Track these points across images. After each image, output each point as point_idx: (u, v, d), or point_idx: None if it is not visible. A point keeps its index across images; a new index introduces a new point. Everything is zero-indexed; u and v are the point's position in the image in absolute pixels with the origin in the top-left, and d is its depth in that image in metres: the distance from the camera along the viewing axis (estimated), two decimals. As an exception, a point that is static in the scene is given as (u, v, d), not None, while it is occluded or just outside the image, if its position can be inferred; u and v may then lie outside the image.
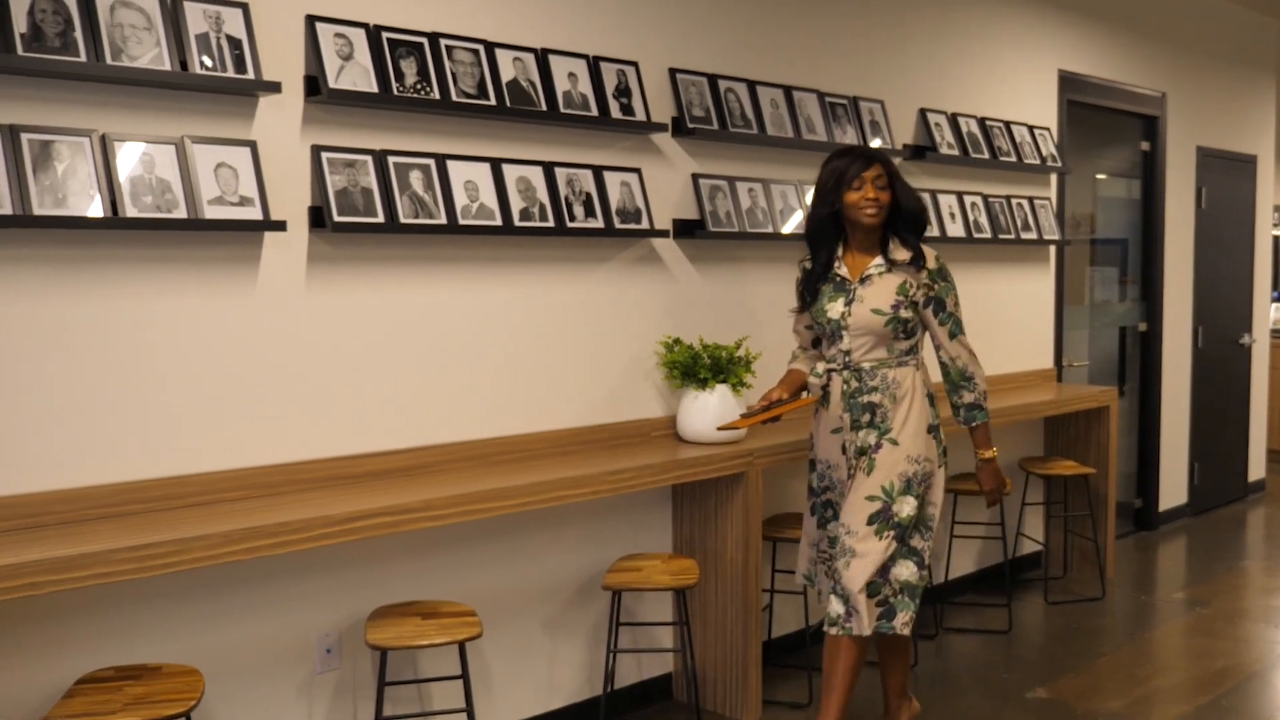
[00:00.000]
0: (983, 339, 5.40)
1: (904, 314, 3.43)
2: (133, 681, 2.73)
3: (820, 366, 3.55)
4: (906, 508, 3.38)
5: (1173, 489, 7.04)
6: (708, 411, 3.88)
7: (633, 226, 3.81)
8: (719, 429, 3.76)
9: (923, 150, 4.97)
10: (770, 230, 4.28)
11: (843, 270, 3.50)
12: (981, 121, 5.32)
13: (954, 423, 3.65)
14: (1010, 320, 5.67)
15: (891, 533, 3.36)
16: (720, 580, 3.95)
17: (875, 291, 3.44)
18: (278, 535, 2.80)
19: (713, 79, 4.13)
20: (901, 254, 3.46)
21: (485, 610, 3.53)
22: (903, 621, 3.40)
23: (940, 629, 4.94)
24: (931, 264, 3.48)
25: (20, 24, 2.65)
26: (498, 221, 3.47)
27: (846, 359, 3.47)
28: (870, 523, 3.38)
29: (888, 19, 4.90)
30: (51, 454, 2.76)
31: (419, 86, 3.32)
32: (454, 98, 3.38)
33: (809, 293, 3.56)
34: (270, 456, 3.12)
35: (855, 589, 3.33)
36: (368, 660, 3.33)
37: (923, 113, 5.04)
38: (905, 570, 3.41)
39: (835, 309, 3.48)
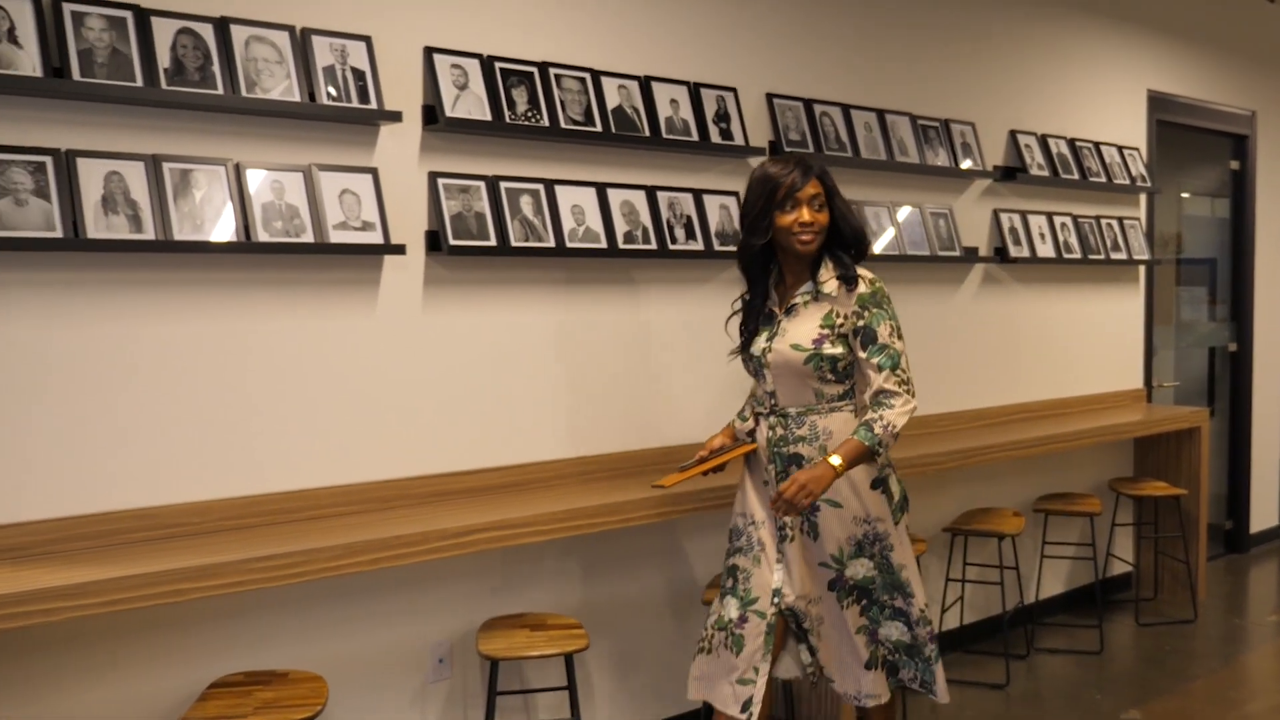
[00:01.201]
0: (1072, 359, 5.43)
1: (830, 350, 2.92)
2: (262, 686, 2.85)
3: (748, 410, 3.17)
4: (861, 569, 3.02)
5: (1264, 511, 6.95)
6: (803, 430, 3.94)
7: (731, 248, 3.89)
8: (653, 486, 3.19)
9: (1013, 171, 5.00)
10: (864, 251, 4.33)
11: (772, 299, 3.07)
12: (1071, 142, 5.33)
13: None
14: (1099, 341, 5.65)
15: (851, 596, 3.03)
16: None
17: (798, 324, 2.97)
18: (396, 548, 2.90)
19: (808, 103, 4.20)
20: (830, 282, 2.97)
21: (589, 622, 3.61)
22: (909, 676, 3.14)
23: (1031, 649, 4.94)
24: (863, 288, 2.94)
25: (164, 59, 2.80)
26: (603, 244, 3.57)
27: (772, 402, 3.03)
28: (831, 589, 3.04)
29: (978, 42, 4.94)
30: (186, 467, 2.90)
31: (529, 114, 3.42)
32: (562, 124, 3.48)
33: (747, 329, 3.12)
34: (385, 472, 3.23)
35: (859, 668, 3.06)
36: (477, 670, 3.43)
37: (1013, 134, 5.07)
38: (894, 630, 3.08)
39: (759, 344, 3.04)
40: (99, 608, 2.47)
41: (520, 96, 3.42)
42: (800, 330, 2.95)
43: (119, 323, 2.78)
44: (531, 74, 3.46)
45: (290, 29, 3.00)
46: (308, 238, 3.00)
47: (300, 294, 3.06)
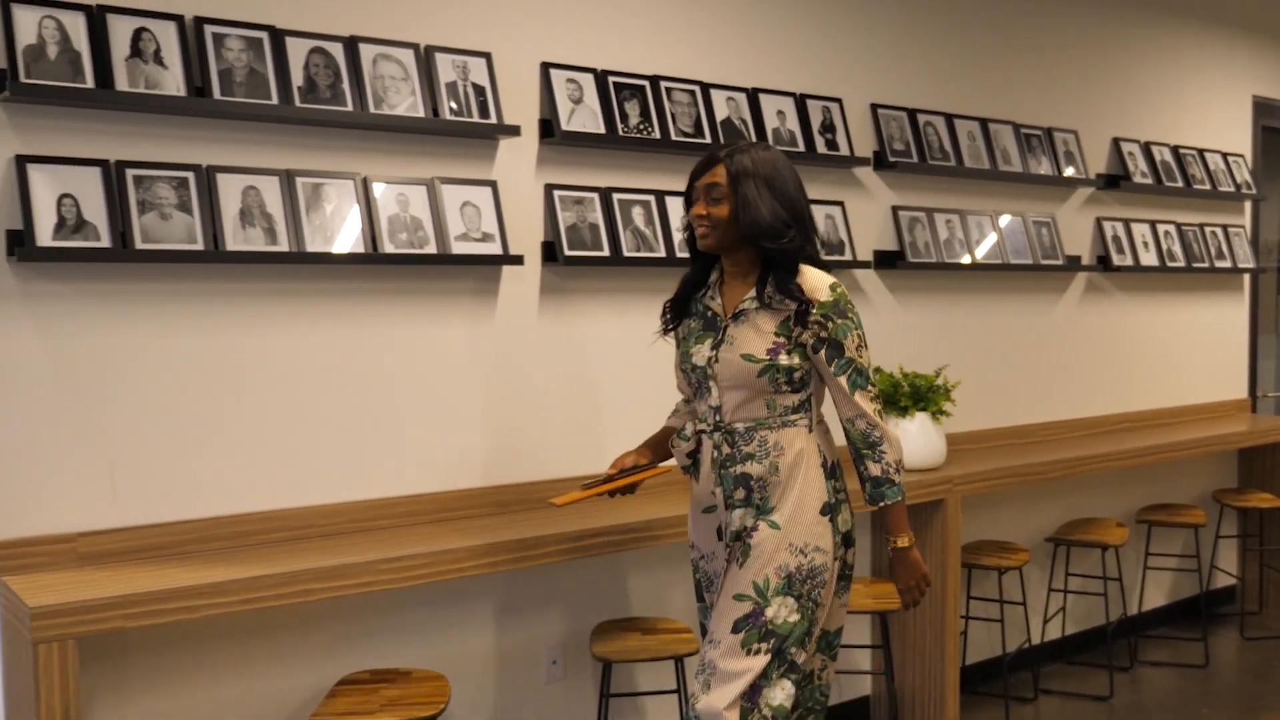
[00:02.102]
0: (1176, 369, 5.36)
1: (785, 360, 2.56)
2: (387, 684, 2.93)
3: (689, 428, 2.74)
4: (784, 612, 2.54)
5: (1371, 525, 6.77)
6: (907, 439, 3.95)
7: (836, 258, 3.91)
8: (551, 502, 2.81)
9: (1116, 179, 4.96)
10: (968, 261, 4.33)
11: (716, 302, 2.69)
12: (1175, 149, 5.27)
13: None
14: (1203, 350, 5.57)
15: (764, 645, 2.53)
16: (919, 605, 3.99)
17: (748, 331, 2.60)
18: (517, 551, 2.97)
19: (912, 113, 4.21)
20: (779, 288, 2.58)
21: (695, 628, 3.65)
22: None
23: (1135, 662, 4.88)
24: (825, 295, 2.56)
25: (297, 77, 2.90)
26: (711, 254, 3.61)
27: (717, 418, 2.65)
28: (736, 630, 2.55)
29: (1080, 50, 4.91)
30: (315, 471, 3.00)
31: (641, 127, 3.48)
32: (673, 136, 3.54)
33: (674, 314, 2.77)
34: (505, 476, 3.31)
35: (713, 715, 2.52)
36: (589, 673, 3.49)
37: (1116, 142, 5.02)
38: (780, 693, 2.54)
39: (701, 353, 2.65)
40: (235, 606, 2.57)
41: (633, 109, 3.48)
42: (751, 340, 2.58)
43: (254, 331, 2.89)
44: (643, 87, 3.52)
45: (415, 47, 3.09)
46: (431, 249, 3.09)
47: (423, 303, 3.15)
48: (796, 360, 2.57)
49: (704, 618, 2.78)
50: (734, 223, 2.56)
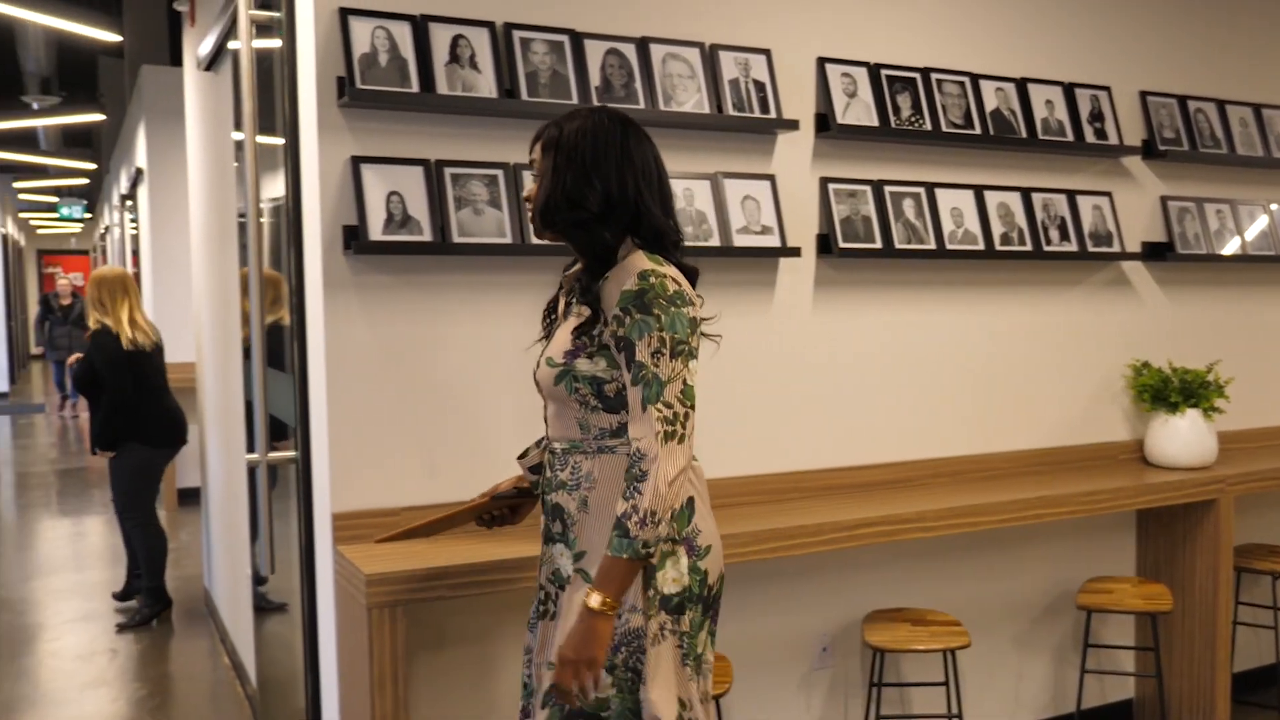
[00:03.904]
0: None
1: (584, 366, 2.11)
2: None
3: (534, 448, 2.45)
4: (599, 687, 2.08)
5: None
6: (1178, 437, 3.84)
7: (1104, 250, 3.84)
8: (377, 541, 2.67)
9: (1398, 166, 4.68)
10: (1240, 252, 4.17)
11: (563, 297, 2.31)
12: None
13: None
14: None
15: None
16: (1187, 608, 3.88)
17: (561, 331, 2.21)
18: (796, 538, 3.03)
19: (1182, 100, 4.09)
20: (582, 280, 2.18)
21: (961, 620, 3.64)
22: None
23: None
24: (630, 284, 2.06)
25: (595, 78, 3.03)
26: (980, 246, 3.60)
27: (547, 434, 2.29)
28: (545, 705, 2.18)
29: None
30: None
31: (913, 119, 3.50)
32: (943, 128, 3.54)
33: (547, 315, 2.35)
34: (778, 465, 3.37)
35: None
36: (857, 661, 3.53)
37: (1397, 126, 4.75)
38: None
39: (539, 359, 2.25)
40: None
41: (904, 102, 3.50)
42: (558, 340, 2.19)
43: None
44: (914, 80, 3.53)
45: (700, 45, 3.18)
46: (714, 242, 3.17)
47: (705, 294, 3.20)
48: (603, 367, 2.10)
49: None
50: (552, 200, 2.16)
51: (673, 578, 2.11)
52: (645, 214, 2.14)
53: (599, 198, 2.11)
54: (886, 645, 3.22)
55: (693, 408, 2.05)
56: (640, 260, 2.10)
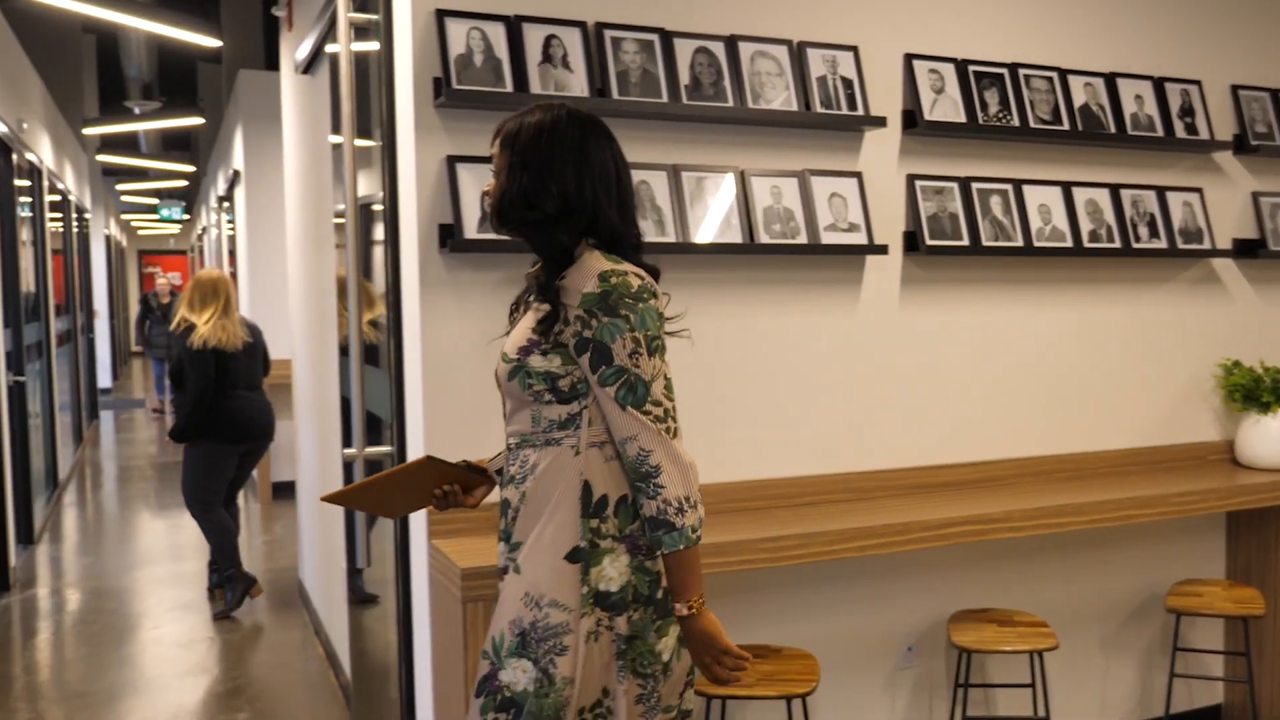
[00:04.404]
0: None
1: (539, 363, 2.09)
2: (760, 660, 3.04)
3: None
4: (522, 678, 2.06)
5: None
6: (1269, 437, 3.78)
7: (1194, 247, 3.78)
8: (322, 499, 2.45)
9: None
10: (1334, 249, 4.09)
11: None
12: None
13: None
14: None
15: (503, 715, 2.07)
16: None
17: (518, 328, 2.19)
18: (883, 536, 3.02)
19: (1275, 93, 4.01)
20: (540, 280, 2.16)
21: (1048, 622, 3.61)
22: None
23: None
24: (591, 286, 2.04)
25: (684, 76, 3.04)
26: (1068, 243, 3.56)
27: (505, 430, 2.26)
28: (478, 695, 2.13)
29: None
30: (699, 452, 3.13)
31: (1000, 115, 3.47)
32: (1031, 124, 3.51)
33: (513, 311, 2.31)
34: (864, 463, 3.36)
35: None
36: (942, 661, 3.51)
37: None
38: None
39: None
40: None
41: (992, 98, 3.47)
42: (515, 337, 2.18)
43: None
44: (1002, 75, 3.50)
45: (788, 43, 3.18)
46: (802, 239, 3.17)
47: (793, 292, 3.24)
48: (557, 364, 2.08)
49: None
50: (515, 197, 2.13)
51: (610, 575, 2.09)
52: (601, 218, 2.12)
53: (555, 201, 2.09)
54: (973, 646, 3.20)
55: (673, 399, 2.09)
56: (598, 261, 2.08)
